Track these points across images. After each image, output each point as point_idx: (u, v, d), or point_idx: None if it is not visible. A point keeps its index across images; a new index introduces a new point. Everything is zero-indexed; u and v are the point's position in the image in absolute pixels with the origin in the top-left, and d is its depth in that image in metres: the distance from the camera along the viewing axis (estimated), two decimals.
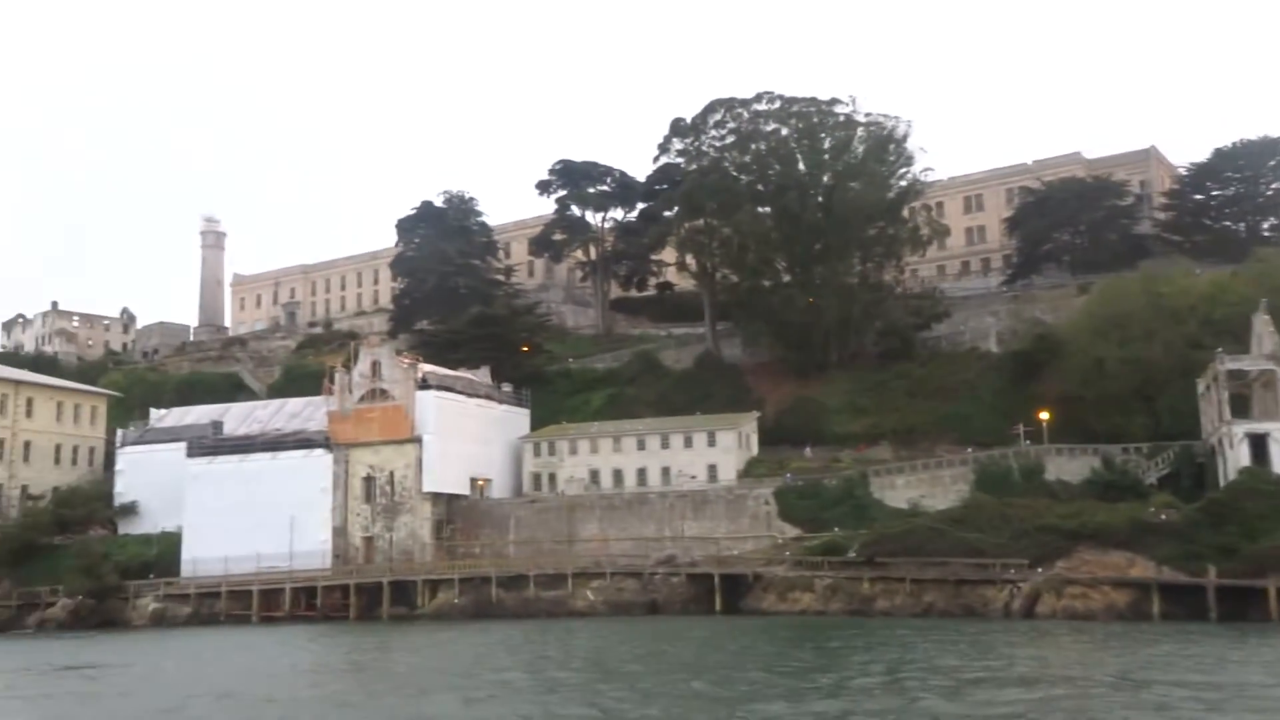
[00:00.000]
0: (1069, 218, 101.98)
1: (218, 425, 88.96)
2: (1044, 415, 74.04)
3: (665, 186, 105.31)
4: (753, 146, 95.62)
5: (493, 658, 47.31)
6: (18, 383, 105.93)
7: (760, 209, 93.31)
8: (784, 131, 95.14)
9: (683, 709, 29.70)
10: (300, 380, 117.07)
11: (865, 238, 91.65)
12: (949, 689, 30.43)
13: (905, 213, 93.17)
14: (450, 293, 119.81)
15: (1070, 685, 31.39)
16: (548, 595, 72.92)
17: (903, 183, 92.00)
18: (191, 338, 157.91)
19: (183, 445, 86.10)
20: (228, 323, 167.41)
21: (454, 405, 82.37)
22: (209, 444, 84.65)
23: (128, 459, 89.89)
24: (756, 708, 28.39)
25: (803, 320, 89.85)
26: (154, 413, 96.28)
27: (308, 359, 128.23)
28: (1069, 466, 70.95)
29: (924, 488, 72.52)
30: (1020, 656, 39.33)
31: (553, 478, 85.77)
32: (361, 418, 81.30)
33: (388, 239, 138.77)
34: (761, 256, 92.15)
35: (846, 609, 61.57)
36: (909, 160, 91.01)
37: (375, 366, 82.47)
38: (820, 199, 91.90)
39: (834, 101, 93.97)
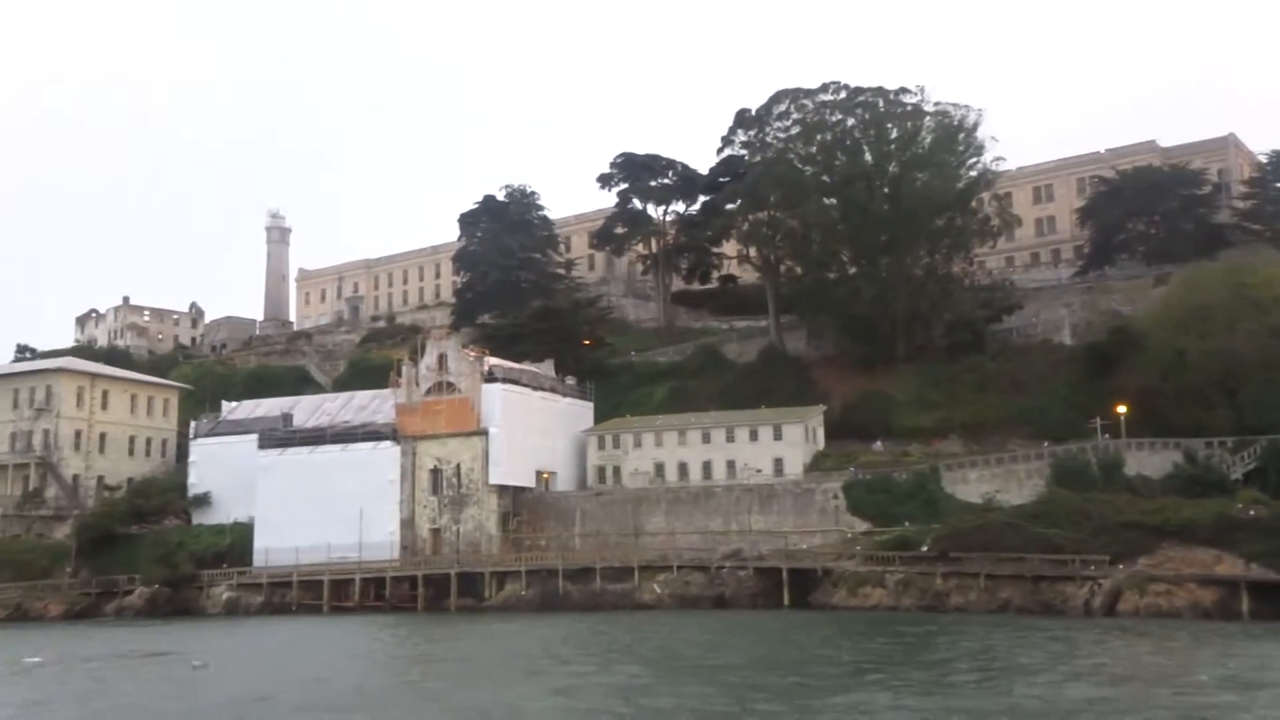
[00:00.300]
0: (1144, 207, 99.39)
1: (288, 417, 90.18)
2: (1121, 409, 72.20)
3: (728, 179, 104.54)
4: (818, 137, 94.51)
5: (568, 648, 47.33)
6: (94, 376, 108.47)
7: (826, 200, 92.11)
8: (850, 122, 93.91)
9: (774, 703, 29.29)
10: (365, 374, 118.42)
11: (933, 229, 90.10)
12: (1047, 684, 29.65)
13: (975, 203, 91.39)
14: (512, 286, 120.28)
15: (1172, 685, 30.42)
16: (614, 588, 72.88)
17: (972, 173, 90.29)
18: (257, 332, 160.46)
19: (254, 437, 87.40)
20: (292, 317, 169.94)
21: (519, 398, 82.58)
22: (280, 436, 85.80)
23: (201, 450, 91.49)
24: (854, 698, 27.90)
25: (869, 313, 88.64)
26: (225, 405, 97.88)
27: (371, 353, 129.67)
28: (1150, 461, 69.14)
29: (997, 482, 71.14)
30: (1112, 654, 38.30)
31: (617, 471, 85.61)
32: (428, 410, 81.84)
33: (449, 233, 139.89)
34: (827, 248, 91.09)
35: (919, 605, 60.63)
36: (979, 150, 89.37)
37: (442, 360, 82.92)
38: (887, 190, 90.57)
39: (901, 91, 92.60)
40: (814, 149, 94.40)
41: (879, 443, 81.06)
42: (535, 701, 30.44)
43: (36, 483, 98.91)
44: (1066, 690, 29.14)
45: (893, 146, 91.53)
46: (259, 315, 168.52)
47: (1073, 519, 60.55)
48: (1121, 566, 57.33)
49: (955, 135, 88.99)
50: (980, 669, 34.17)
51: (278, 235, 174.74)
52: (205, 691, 34.15)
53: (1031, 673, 32.91)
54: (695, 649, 45.50)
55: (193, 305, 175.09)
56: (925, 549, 62.74)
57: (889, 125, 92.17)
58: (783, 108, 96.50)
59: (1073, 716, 25.67)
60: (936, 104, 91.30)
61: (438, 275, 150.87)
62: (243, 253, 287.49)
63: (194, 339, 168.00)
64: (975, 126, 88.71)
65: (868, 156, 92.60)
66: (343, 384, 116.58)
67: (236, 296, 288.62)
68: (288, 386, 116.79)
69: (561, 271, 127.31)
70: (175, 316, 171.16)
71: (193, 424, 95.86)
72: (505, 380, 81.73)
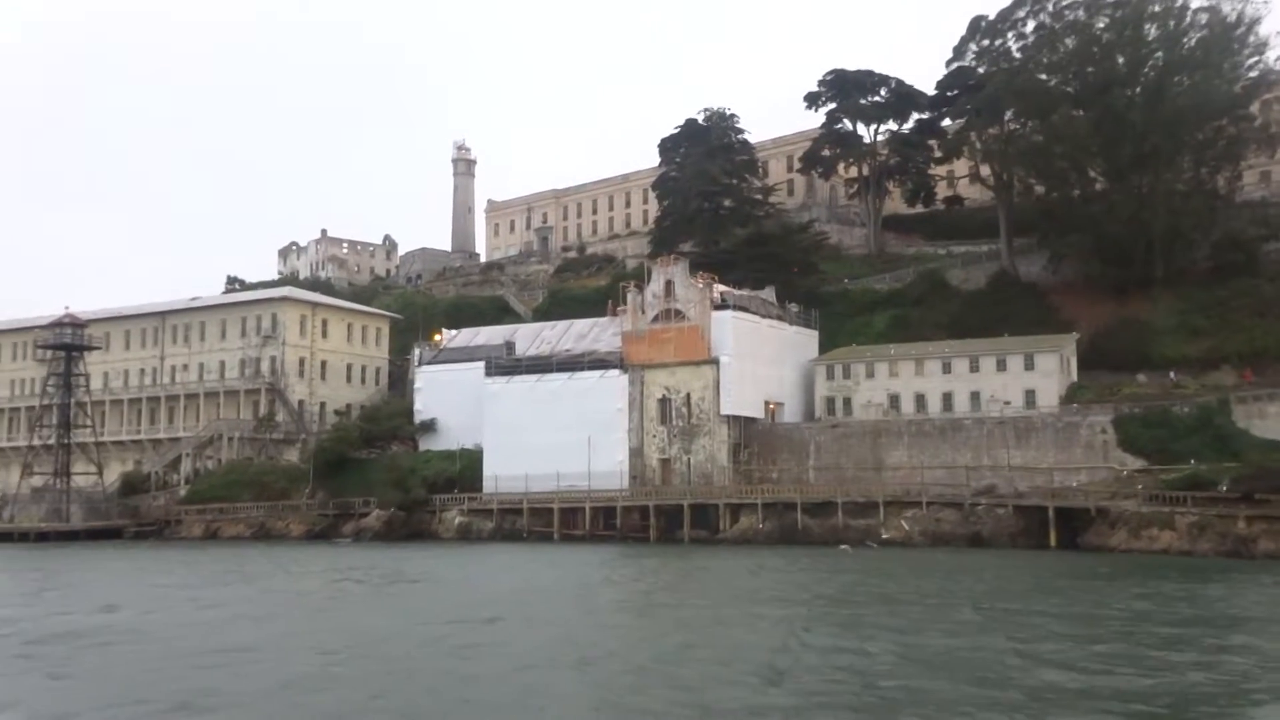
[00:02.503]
0: None
1: (510, 345, 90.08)
2: None
3: (957, 93, 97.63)
4: (1063, 43, 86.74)
5: (860, 583, 44.73)
6: (314, 305, 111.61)
7: (1074, 112, 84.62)
8: (1100, 25, 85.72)
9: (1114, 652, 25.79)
10: (565, 303, 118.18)
11: (1199, 139, 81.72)
12: None
13: (1252, 109, 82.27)
14: (712, 214, 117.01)
15: None
16: (856, 524, 70.01)
17: (1251, 74, 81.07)
18: (450, 263, 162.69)
19: (478, 365, 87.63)
20: (478, 248, 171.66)
21: (750, 326, 79.77)
22: (505, 364, 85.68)
23: (425, 377, 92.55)
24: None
25: (1124, 233, 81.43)
26: (446, 333, 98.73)
27: (569, 283, 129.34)
28: None
29: None
30: None
31: (847, 402, 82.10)
32: (656, 338, 79.98)
33: (638, 162, 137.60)
34: (1076, 163, 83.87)
35: (1218, 550, 55.33)
36: (1260, 48, 79.98)
37: (669, 286, 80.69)
38: (1144, 97, 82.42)
39: None
40: (1059, 56, 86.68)
41: (1141, 375, 74.78)
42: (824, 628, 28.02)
43: (266, 408, 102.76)
44: None
45: (1151, 49, 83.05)
46: (446, 247, 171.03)
47: None
48: None
49: (1230, 33, 79.83)
50: None
51: (463, 168, 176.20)
52: (480, 607, 33.14)
53: None
54: (1013, 592, 42.11)
55: (386, 238, 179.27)
56: (1224, 489, 57.09)
57: (1146, 26, 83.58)
58: (1023, 13, 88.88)
59: None
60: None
61: (628, 204, 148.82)
62: (430, 186, 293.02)
63: (388, 270, 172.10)
64: (1256, 22, 79.36)
65: (1120, 61, 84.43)
66: (542, 314, 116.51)
67: (425, 229, 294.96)
68: (489, 316, 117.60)
69: (760, 198, 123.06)
70: (371, 249, 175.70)
71: (416, 352, 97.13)
72: (736, 307, 78.92)
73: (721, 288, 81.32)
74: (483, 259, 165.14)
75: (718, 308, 78.73)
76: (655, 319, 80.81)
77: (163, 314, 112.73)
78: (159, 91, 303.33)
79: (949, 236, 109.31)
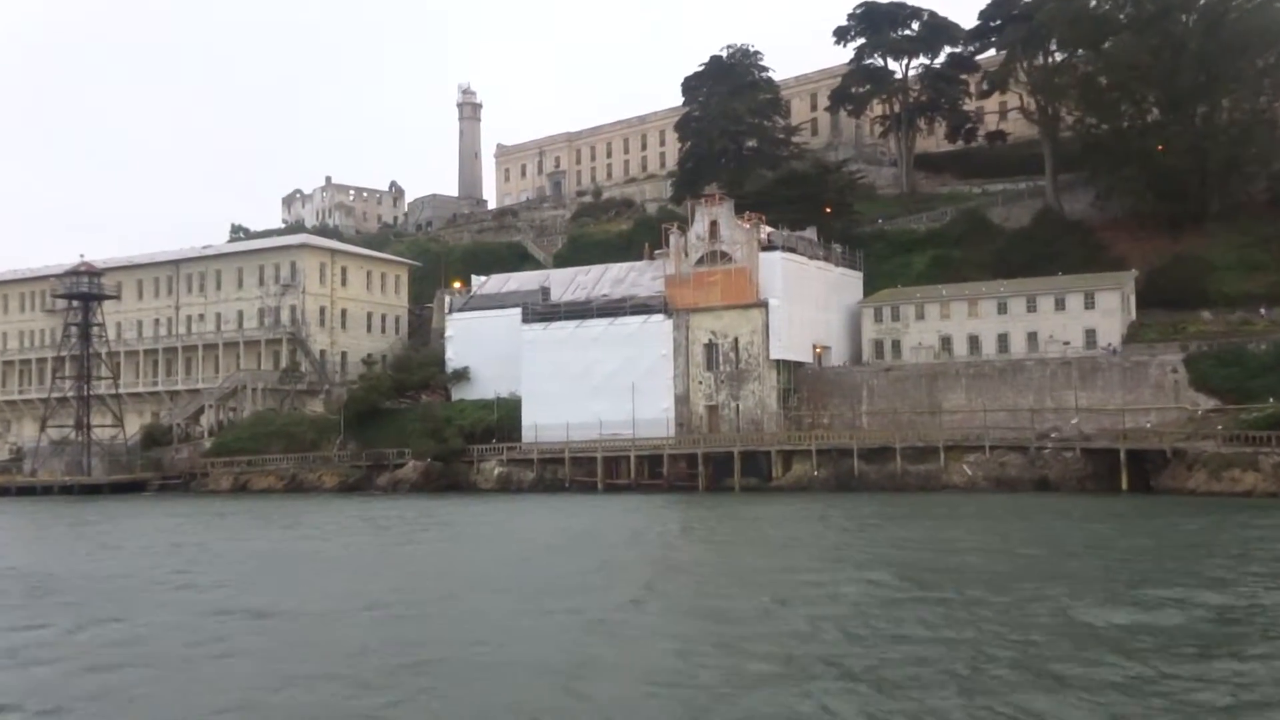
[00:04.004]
0: None
1: (545, 291, 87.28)
2: None
3: (999, 23, 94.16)
4: None
5: (952, 532, 42.75)
6: (334, 252, 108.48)
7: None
8: None
9: None
10: (586, 249, 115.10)
11: (1258, 66, 78.82)
12: None
13: None
14: (736, 154, 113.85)
15: None
16: (916, 469, 68.24)
17: None
18: (461, 210, 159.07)
19: (511, 312, 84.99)
20: (485, 194, 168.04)
21: (797, 268, 77.24)
22: (542, 310, 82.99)
23: (457, 325, 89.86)
24: None
25: (1181, 165, 78.78)
26: (475, 279, 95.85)
27: (588, 228, 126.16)
28: None
29: None
30: None
31: (896, 345, 79.92)
32: (701, 281, 77.36)
33: (653, 103, 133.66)
34: (1130, 94, 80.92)
35: None
36: None
37: (714, 227, 77.90)
38: (1202, 23, 79.30)
39: None
40: None
41: (1207, 312, 72.68)
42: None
43: (287, 358, 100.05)
44: None
45: None
46: (452, 193, 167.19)
47: None
48: None
49: None
50: None
51: (469, 111, 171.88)
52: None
53: None
54: (1119, 544, 40.17)
55: (392, 184, 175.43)
56: None
57: None
58: None
59: None
60: None
61: (644, 147, 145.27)
62: (434, 132, 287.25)
63: (395, 218, 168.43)
64: None
65: None
66: (563, 260, 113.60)
67: (430, 175, 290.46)
68: (507, 263, 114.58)
69: (782, 137, 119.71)
70: (378, 195, 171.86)
71: (446, 299, 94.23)
72: (784, 248, 76.28)
73: (767, 229, 78.56)
74: (490, 205, 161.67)
75: (765, 249, 76.09)
76: (700, 261, 78.14)
77: (176, 263, 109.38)
78: (157, 40, 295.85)
79: (983, 174, 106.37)
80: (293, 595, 29.38)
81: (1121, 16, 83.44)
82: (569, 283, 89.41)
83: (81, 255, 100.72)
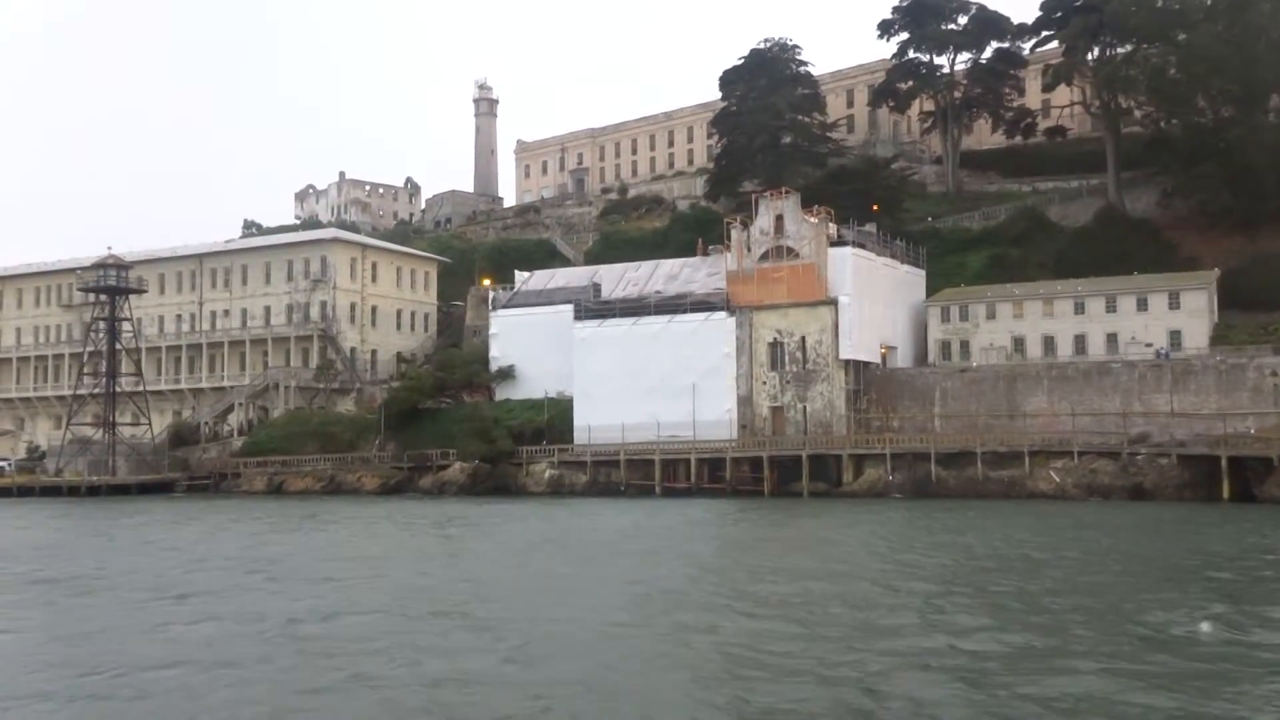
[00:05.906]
0: None
1: (597, 287, 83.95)
2: None
3: (1060, 14, 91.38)
4: None
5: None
6: (364, 247, 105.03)
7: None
8: None
9: None
10: (619, 246, 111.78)
11: None
12: None
13: None
14: (774, 151, 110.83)
15: None
16: (998, 475, 65.19)
17: None
18: (479, 206, 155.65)
19: (560, 309, 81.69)
20: (501, 191, 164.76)
21: (867, 265, 74.24)
22: (595, 306, 79.70)
23: (502, 322, 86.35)
24: None
25: (1262, 162, 76.10)
26: (518, 275, 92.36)
27: (619, 225, 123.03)
28: None
29: None
30: None
31: (964, 345, 77.05)
32: (766, 278, 74.23)
33: (679, 99, 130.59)
34: (1205, 88, 78.26)
35: None
36: None
37: (779, 222, 74.80)
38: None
39: None
40: None
41: None
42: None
43: (319, 356, 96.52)
44: None
45: None
46: (468, 189, 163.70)
47: None
48: None
49: None
50: None
51: (485, 108, 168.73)
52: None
53: None
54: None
55: (408, 180, 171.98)
56: None
57: None
58: None
59: None
60: None
61: (671, 144, 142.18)
62: (449, 129, 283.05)
63: (411, 214, 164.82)
64: None
65: None
66: (595, 257, 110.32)
67: (445, 171, 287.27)
68: (536, 260, 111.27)
69: (820, 133, 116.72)
70: (394, 191, 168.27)
71: (490, 295, 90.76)
72: (854, 244, 73.25)
73: (832, 224, 75.51)
74: (508, 201, 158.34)
75: (834, 244, 73.03)
76: (764, 257, 75.02)
77: (199, 256, 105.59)
78: (166, 31, 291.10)
79: (1031, 172, 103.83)
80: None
81: (1200, 6, 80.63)
82: (619, 279, 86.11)
83: (109, 247, 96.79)
